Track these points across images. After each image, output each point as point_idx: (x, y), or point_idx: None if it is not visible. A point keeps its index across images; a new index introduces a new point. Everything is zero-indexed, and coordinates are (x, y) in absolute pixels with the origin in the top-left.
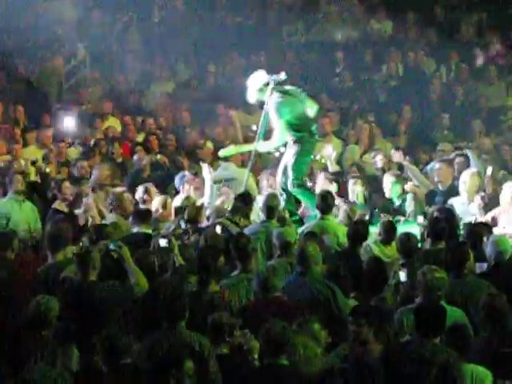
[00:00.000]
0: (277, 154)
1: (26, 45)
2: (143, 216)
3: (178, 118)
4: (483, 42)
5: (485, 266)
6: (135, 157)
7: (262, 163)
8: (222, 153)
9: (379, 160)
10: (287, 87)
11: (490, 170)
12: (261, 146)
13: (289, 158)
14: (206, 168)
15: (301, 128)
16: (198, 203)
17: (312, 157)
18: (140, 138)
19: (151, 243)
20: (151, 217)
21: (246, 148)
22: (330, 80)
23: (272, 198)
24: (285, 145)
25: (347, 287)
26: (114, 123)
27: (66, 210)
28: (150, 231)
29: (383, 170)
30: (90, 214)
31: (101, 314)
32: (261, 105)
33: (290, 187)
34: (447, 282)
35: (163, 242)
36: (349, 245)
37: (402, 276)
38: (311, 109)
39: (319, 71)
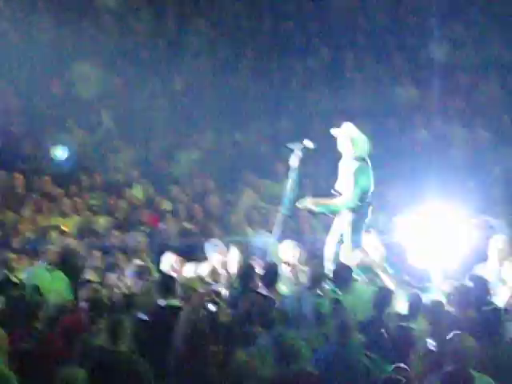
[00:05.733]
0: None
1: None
2: (167, 287)
3: (203, 186)
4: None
5: None
6: (163, 225)
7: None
8: (300, 204)
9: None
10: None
11: None
12: (336, 204)
13: (344, 226)
14: (233, 250)
15: (364, 198)
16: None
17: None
18: (167, 206)
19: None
20: (176, 287)
21: (323, 202)
22: None
23: (318, 267)
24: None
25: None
26: (139, 192)
27: (97, 279)
28: (176, 302)
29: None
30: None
31: None
32: (287, 172)
33: (348, 257)
34: (477, 349)
35: (212, 307)
36: (374, 312)
37: (430, 343)
38: None
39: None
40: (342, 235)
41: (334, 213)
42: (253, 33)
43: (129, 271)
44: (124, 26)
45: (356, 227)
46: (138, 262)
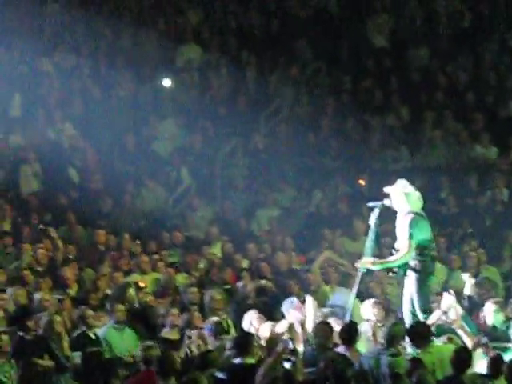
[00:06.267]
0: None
1: (131, 171)
2: (245, 345)
3: (282, 244)
4: None
5: None
6: (240, 283)
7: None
8: (359, 264)
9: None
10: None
11: None
12: (392, 261)
13: (411, 286)
14: (309, 301)
15: (424, 254)
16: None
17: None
18: (245, 263)
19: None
20: (253, 345)
21: (381, 261)
22: (434, 205)
23: (395, 326)
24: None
25: None
26: (218, 249)
27: (175, 337)
28: (252, 360)
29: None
30: (193, 344)
31: None
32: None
33: (420, 316)
34: None
35: (287, 365)
36: (453, 372)
37: None
38: None
39: (424, 197)
40: (411, 295)
41: (393, 269)
42: (333, 90)
43: (206, 328)
44: (204, 83)
45: (422, 285)
46: (215, 318)
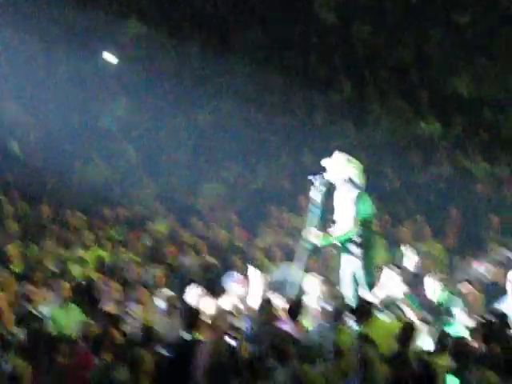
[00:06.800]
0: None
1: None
2: (193, 320)
3: (227, 220)
4: None
5: None
6: (184, 258)
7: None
8: (304, 234)
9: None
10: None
11: None
12: (339, 235)
13: (354, 262)
14: (252, 270)
15: (367, 228)
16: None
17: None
18: (190, 239)
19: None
20: (201, 320)
21: (325, 234)
22: (378, 181)
23: (341, 301)
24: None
25: None
26: (162, 225)
27: (115, 312)
28: (198, 335)
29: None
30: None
31: None
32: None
33: (366, 290)
34: None
35: (232, 341)
36: (398, 348)
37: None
38: None
39: (367, 172)
40: (355, 270)
41: (340, 242)
42: (276, 68)
43: (159, 302)
44: (148, 59)
45: (367, 259)
46: (169, 292)
